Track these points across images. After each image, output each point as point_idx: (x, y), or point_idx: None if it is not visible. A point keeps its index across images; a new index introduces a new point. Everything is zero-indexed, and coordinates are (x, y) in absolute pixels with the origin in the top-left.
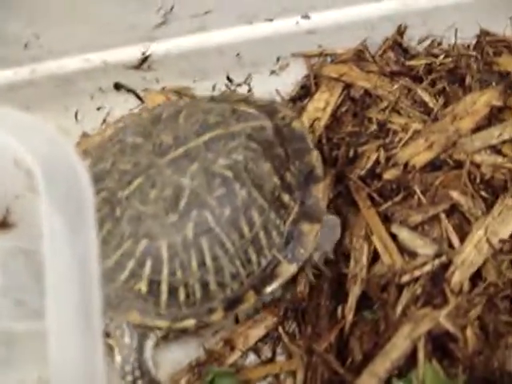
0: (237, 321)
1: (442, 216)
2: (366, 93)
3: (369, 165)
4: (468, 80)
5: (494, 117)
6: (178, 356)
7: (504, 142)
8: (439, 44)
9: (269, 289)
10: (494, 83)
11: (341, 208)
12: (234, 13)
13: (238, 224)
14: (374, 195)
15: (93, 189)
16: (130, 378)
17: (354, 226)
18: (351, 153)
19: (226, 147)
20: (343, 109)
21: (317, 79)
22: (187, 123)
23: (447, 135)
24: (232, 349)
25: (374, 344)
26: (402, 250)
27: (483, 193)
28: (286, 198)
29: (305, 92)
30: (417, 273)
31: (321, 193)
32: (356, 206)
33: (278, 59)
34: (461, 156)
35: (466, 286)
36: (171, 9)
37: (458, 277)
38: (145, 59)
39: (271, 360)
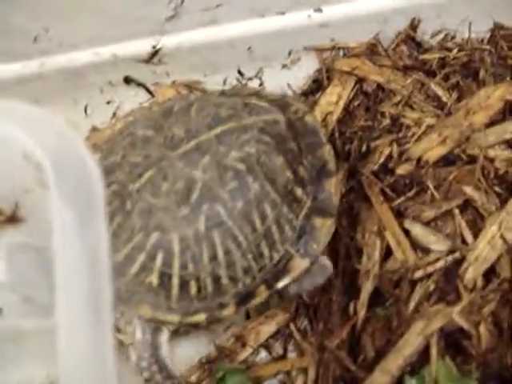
0: (248, 316)
1: (456, 211)
2: (379, 87)
3: (381, 160)
4: (482, 74)
5: (508, 111)
6: (189, 352)
7: None
8: (453, 38)
9: (281, 283)
10: (508, 77)
11: (353, 203)
12: (246, 6)
13: (251, 218)
14: (387, 190)
15: (103, 182)
16: (146, 374)
17: (366, 221)
18: (364, 147)
19: (239, 140)
20: (356, 103)
21: (329, 73)
22: (199, 116)
23: (461, 130)
24: (243, 345)
25: (387, 340)
26: (415, 245)
27: (497, 188)
28: (298, 192)
29: (317, 86)
30: (430, 269)
31: (333, 187)
32: (369, 202)
33: (289, 53)
34: (474, 151)
35: (480, 282)
36: (182, 2)
37: (472, 273)
38: (155, 53)
39: (282, 357)
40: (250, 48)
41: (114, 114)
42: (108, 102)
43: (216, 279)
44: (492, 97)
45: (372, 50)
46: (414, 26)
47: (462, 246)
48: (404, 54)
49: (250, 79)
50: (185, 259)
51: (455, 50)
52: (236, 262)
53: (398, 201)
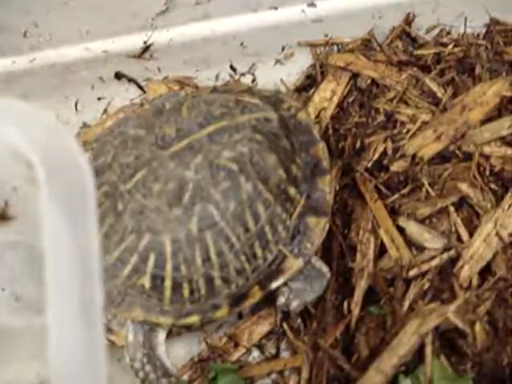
0: (240, 316)
1: (451, 209)
2: (373, 83)
3: (376, 156)
4: (477, 70)
5: (503, 107)
6: (180, 351)
7: None
8: (448, 33)
9: (274, 284)
10: (504, 73)
11: (347, 201)
12: (238, 1)
13: (244, 218)
14: (381, 187)
15: (94, 180)
16: (141, 374)
17: (360, 219)
18: (358, 144)
19: (231, 139)
20: (350, 99)
21: (323, 68)
22: (190, 115)
23: (456, 126)
24: (236, 345)
25: (381, 340)
26: (410, 243)
27: (493, 185)
28: (291, 191)
29: (310, 82)
30: (425, 267)
31: (327, 186)
32: (363, 199)
33: (282, 48)
34: (470, 148)
35: (475, 281)
36: None
37: (467, 271)
38: (146, 48)
39: (275, 356)
40: (242, 43)
41: (105, 111)
42: (99, 98)
43: (209, 281)
44: (488, 93)
45: (366, 46)
46: (408, 21)
47: (458, 244)
48: (399, 49)
49: (243, 75)
50: (177, 261)
51: (450, 46)
52: (229, 263)
53: (393, 198)
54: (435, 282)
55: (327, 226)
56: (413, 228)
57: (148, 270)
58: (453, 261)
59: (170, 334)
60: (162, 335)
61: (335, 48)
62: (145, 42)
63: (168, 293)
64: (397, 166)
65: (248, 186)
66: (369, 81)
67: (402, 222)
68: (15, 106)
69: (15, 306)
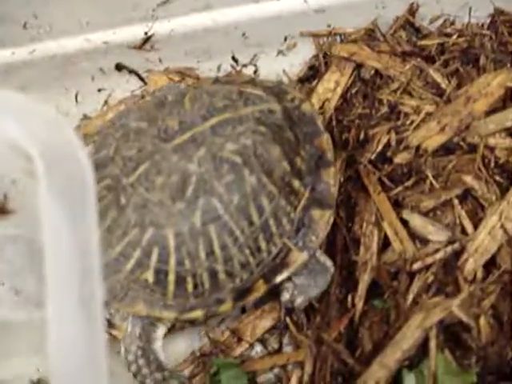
0: (243, 310)
1: (455, 201)
2: (377, 73)
3: (379, 148)
4: (482, 60)
5: (508, 98)
6: (180, 346)
7: None
8: (452, 23)
9: (279, 278)
10: (508, 64)
11: (350, 193)
12: None
13: (247, 211)
14: (385, 180)
15: (94, 173)
16: (133, 367)
17: (363, 211)
18: (361, 135)
19: (234, 131)
20: (353, 90)
21: (326, 59)
22: (193, 107)
23: (460, 118)
24: (239, 340)
25: (385, 334)
26: (414, 236)
27: (497, 177)
28: (296, 183)
29: (313, 73)
30: (429, 260)
31: (332, 178)
32: (366, 191)
33: (285, 39)
34: (474, 139)
35: (480, 274)
36: None
37: (472, 264)
38: (147, 39)
39: (278, 351)
40: (244, 34)
41: (106, 102)
42: (99, 90)
43: (213, 275)
44: (492, 84)
45: (370, 36)
46: (412, 11)
47: (462, 237)
48: (402, 39)
49: (245, 66)
50: (181, 255)
51: (455, 36)
52: (233, 256)
53: (396, 190)
54: (439, 276)
55: (332, 219)
56: (417, 221)
57: (151, 265)
58: (457, 254)
59: (173, 329)
60: (161, 330)
61: (338, 38)
62: (146, 33)
63: (171, 287)
64: (400, 158)
65: (252, 179)
66: (372, 71)
67: (405, 214)
68: (14, 98)
69: (15, 300)
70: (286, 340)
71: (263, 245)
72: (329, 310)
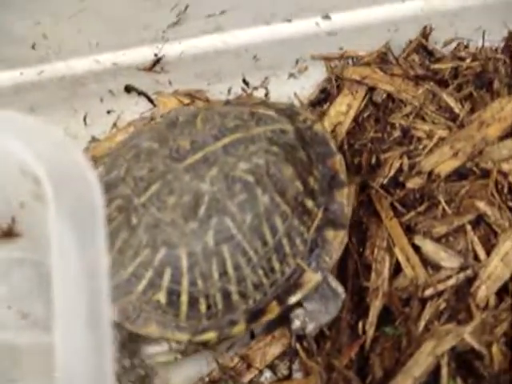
0: (252, 335)
1: (468, 227)
2: (389, 97)
3: (392, 173)
4: (496, 85)
5: None
6: (189, 371)
7: None
8: (466, 47)
9: (293, 299)
10: None
11: (362, 218)
12: (251, 13)
13: (261, 231)
14: (397, 205)
15: (104, 196)
16: None
17: (375, 236)
18: (373, 160)
19: (246, 151)
20: (365, 114)
21: (338, 82)
22: (205, 127)
23: (473, 143)
24: (248, 366)
25: (396, 361)
26: (426, 262)
27: (510, 203)
28: (309, 203)
29: (325, 96)
30: (441, 286)
31: (345, 198)
32: (378, 216)
33: (296, 62)
34: (488, 165)
35: (492, 301)
36: (185, 8)
37: (484, 291)
38: (157, 61)
39: (288, 377)
40: (255, 56)
41: (115, 124)
42: (108, 112)
43: (226, 295)
44: (506, 108)
45: (382, 59)
46: (425, 34)
47: (474, 263)
48: (415, 63)
49: (256, 88)
50: (194, 275)
51: (468, 60)
52: (246, 277)
53: (409, 216)
54: (451, 302)
55: (346, 239)
56: (429, 246)
57: (164, 285)
58: (469, 280)
59: (186, 354)
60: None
61: (350, 61)
62: (156, 55)
63: (184, 308)
64: (413, 183)
65: (265, 199)
66: (384, 95)
67: (417, 240)
68: (22, 120)
69: (22, 323)
70: (295, 366)
71: (277, 265)
72: (339, 336)
